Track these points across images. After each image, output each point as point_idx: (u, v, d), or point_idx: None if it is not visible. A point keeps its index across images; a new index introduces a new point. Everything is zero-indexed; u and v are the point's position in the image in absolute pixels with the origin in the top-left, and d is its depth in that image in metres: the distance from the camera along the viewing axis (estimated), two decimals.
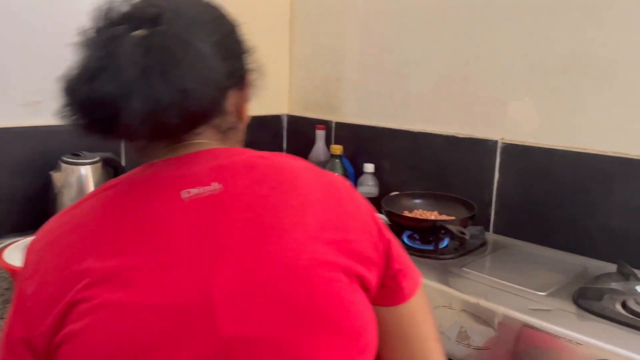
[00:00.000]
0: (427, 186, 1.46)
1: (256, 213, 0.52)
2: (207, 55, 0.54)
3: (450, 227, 0.96)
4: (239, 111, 0.68)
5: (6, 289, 1.08)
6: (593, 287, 0.83)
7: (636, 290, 0.88)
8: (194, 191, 0.53)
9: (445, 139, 1.42)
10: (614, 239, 1.12)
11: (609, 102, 1.12)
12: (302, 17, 1.81)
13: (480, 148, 1.34)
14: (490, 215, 1.33)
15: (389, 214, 1.11)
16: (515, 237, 1.19)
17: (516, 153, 1.28)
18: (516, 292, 0.86)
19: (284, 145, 1.92)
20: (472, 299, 0.84)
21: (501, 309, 0.81)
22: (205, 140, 0.60)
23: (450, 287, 0.88)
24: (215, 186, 0.53)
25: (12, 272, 1.01)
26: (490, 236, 1.18)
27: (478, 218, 1.30)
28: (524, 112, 1.26)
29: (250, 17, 1.74)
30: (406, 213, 1.17)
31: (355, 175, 1.62)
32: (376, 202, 1.45)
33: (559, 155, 1.20)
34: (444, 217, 1.14)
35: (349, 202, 0.59)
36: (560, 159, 1.20)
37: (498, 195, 1.32)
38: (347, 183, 0.63)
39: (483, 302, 0.83)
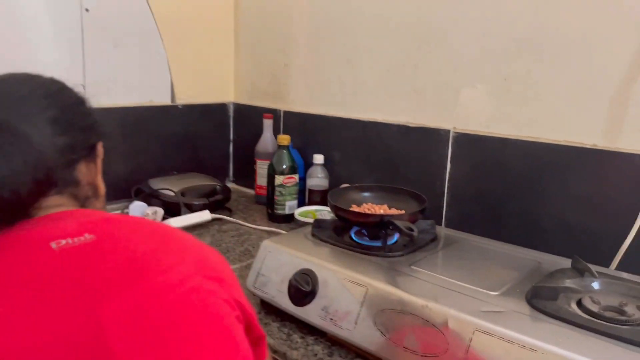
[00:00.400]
0: (378, 178, 1.39)
1: (136, 256, 0.53)
2: (31, 135, 0.55)
3: (398, 222, 0.89)
4: (92, 184, 0.67)
5: None
6: (547, 285, 0.78)
7: (592, 287, 0.83)
8: (64, 241, 0.52)
9: (397, 129, 1.35)
10: (568, 232, 1.08)
11: (564, 89, 1.07)
12: None
13: (432, 138, 1.28)
14: (442, 207, 1.27)
15: (335, 209, 1.03)
16: (468, 231, 1.14)
17: (468, 143, 1.22)
18: (467, 292, 0.80)
19: (231, 135, 1.81)
20: (420, 302, 0.77)
21: (451, 312, 0.74)
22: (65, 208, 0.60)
23: (398, 288, 0.81)
24: (87, 236, 0.53)
25: None
26: (442, 230, 1.12)
27: (429, 211, 1.24)
28: (476, 99, 1.20)
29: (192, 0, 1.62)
30: (354, 207, 1.09)
31: (304, 166, 1.54)
32: (326, 195, 1.37)
33: (512, 144, 1.15)
34: (393, 211, 1.08)
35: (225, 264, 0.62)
36: (513, 148, 1.15)
37: (450, 187, 1.26)
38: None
39: (432, 305, 0.76)
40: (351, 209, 1.09)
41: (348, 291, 0.85)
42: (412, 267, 0.90)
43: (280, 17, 1.60)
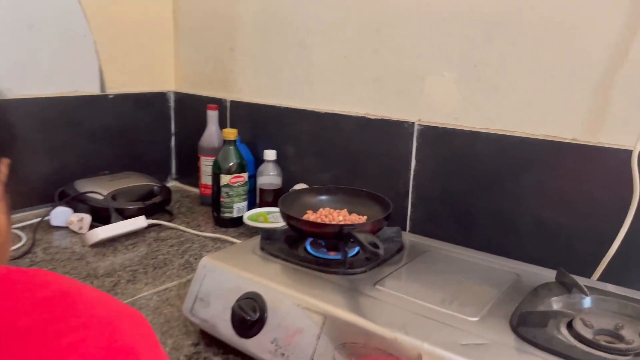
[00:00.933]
0: (336, 175, 1.26)
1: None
2: None
3: (360, 235, 0.75)
4: None
5: None
6: (535, 311, 0.66)
7: (582, 306, 0.72)
8: None
9: (355, 121, 1.21)
10: (546, 235, 0.98)
11: (539, 78, 0.96)
12: None
13: (394, 131, 1.15)
14: (406, 208, 1.15)
15: (286, 217, 0.89)
16: (435, 234, 1.02)
17: (435, 137, 1.10)
18: (442, 318, 0.68)
19: (172, 128, 1.63)
20: (388, 333, 0.65)
21: (425, 346, 0.62)
22: None
23: (361, 315, 0.68)
24: None
25: None
26: (408, 237, 0.99)
27: (393, 212, 1.12)
28: (442, 89, 1.08)
29: None
30: (309, 214, 0.95)
31: (254, 163, 1.38)
32: (279, 194, 1.22)
33: (483, 138, 1.03)
34: (354, 217, 0.94)
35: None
36: (484, 143, 1.03)
37: (415, 186, 1.14)
38: None
39: (402, 338, 0.64)
40: (306, 216, 0.95)
41: (302, 320, 0.71)
42: (377, 286, 0.77)
43: None
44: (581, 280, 0.75)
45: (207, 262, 0.84)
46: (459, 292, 0.76)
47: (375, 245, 0.71)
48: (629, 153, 0.85)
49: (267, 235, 0.91)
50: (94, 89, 1.42)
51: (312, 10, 1.25)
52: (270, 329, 0.73)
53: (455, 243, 1.02)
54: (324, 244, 0.89)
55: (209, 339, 0.81)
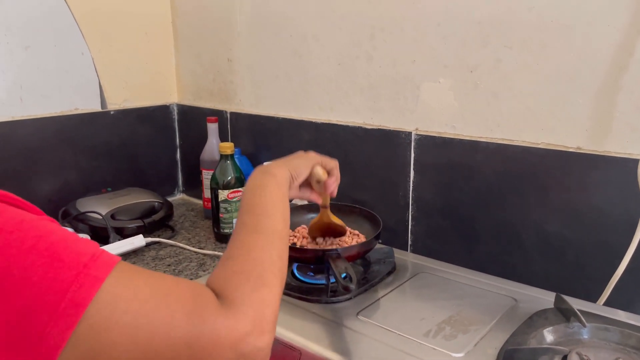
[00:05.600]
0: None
1: None
2: None
3: (336, 264, 0.71)
4: None
5: None
6: (523, 348, 0.61)
7: (579, 337, 0.66)
8: None
9: (352, 131, 1.17)
10: (550, 251, 0.91)
11: (539, 82, 0.89)
12: None
13: (391, 141, 1.10)
14: (407, 221, 1.10)
15: None
16: (438, 252, 0.97)
17: (433, 146, 1.04)
18: (424, 354, 0.63)
19: (177, 141, 1.62)
20: None
21: None
22: None
23: (337, 353, 0.64)
24: None
25: None
26: (403, 256, 0.94)
27: (393, 224, 1.08)
28: (439, 96, 1.02)
29: None
30: (298, 231, 0.91)
31: None
32: None
33: (483, 148, 0.97)
34: (338, 240, 0.90)
35: None
36: (484, 153, 0.97)
37: (415, 198, 1.09)
38: None
39: None
40: (293, 234, 0.91)
41: (279, 355, 0.68)
42: (360, 316, 0.72)
43: (219, 4, 1.40)
44: (584, 306, 0.70)
45: None
46: (447, 322, 0.71)
47: (349, 279, 0.67)
48: (636, 163, 0.78)
49: None
50: (94, 106, 1.42)
51: (305, 17, 1.21)
52: None
53: (458, 260, 0.98)
54: (311, 266, 0.85)
55: None
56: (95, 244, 0.46)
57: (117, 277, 0.43)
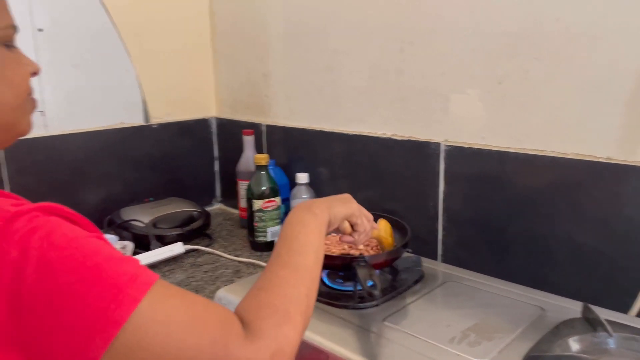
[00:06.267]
0: (367, 198, 1.23)
1: None
2: None
3: (361, 272, 0.74)
4: None
5: None
6: (546, 355, 0.61)
7: (606, 347, 0.66)
8: None
9: (383, 142, 1.19)
10: (582, 262, 0.91)
11: (567, 92, 0.90)
12: (221, 4, 1.56)
13: (421, 152, 1.12)
14: (437, 231, 1.11)
15: None
16: (468, 263, 0.98)
17: (462, 157, 1.05)
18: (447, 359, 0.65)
19: (215, 153, 1.68)
20: None
21: None
22: None
23: (362, 356, 0.66)
24: None
25: None
26: (433, 265, 0.96)
27: (424, 235, 1.09)
28: (468, 107, 1.04)
29: (165, 8, 1.49)
30: (328, 239, 0.94)
31: (290, 186, 1.40)
32: None
33: (512, 159, 0.98)
34: (368, 248, 0.92)
35: None
36: (514, 163, 0.98)
37: (445, 208, 1.10)
38: None
39: None
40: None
41: (306, 356, 0.71)
42: (386, 322, 0.75)
43: (255, 22, 1.46)
44: (613, 316, 0.70)
45: (222, 295, 0.85)
46: (472, 329, 0.72)
47: (373, 286, 0.69)
48: None
49: None
50: (138, 120, 1.50)
51: (336, 33, 1.25)
52: None
53: (488, 270, 0.98)
54: (340, 273, 0.88)
55: None
56: (137, 261, 0.49)
57: (152, 299, 0.46)
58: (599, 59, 0.85)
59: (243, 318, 0.51)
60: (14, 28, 0.56)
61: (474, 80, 1.02)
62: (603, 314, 0.70)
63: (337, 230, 0.74)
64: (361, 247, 0.92)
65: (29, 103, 0.58)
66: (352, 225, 0.75)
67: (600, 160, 0.87)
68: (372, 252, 0.88)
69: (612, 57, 0.84)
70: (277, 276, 0.57)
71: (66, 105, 1.35)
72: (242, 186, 1.45)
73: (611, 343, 0.67)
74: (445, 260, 1.10)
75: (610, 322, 0.69)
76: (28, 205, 0.48)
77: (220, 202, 1.72)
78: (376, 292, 0.69)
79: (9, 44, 0.55)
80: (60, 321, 0.43)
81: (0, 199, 0.48)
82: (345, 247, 0.92)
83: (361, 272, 0.73)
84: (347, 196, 0.76)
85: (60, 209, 0.51)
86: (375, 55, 1.18)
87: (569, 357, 0.62)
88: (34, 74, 0.58)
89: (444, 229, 1.11)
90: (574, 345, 0.67)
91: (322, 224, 0.66)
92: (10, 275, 0.43)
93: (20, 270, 0.43)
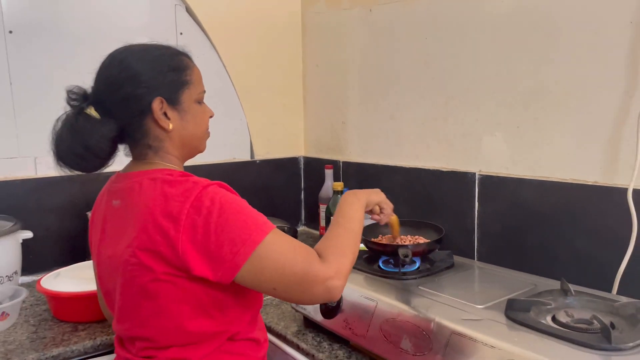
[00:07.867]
0: (418, 215, 1.57)
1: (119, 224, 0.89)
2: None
3: (402, 251, 1.08)
4: (158, 127, 0.92)
5: (44, 309, 1.30)
6: (521, 299, 0.92)
7: (570, 303, 0.95)
8: (116, 202, 0.91)
9: (432, 173, 1.54)
10: (580, 262, 1.19)
11: (567, 133, 1.21)
12: (312, 68, 2.02)
13: (461, 180, 1.45)
14: (473, 242, 1.42)
15: (363, 240, 1.24)
16: (497, 264, 1.28)
17: (492, 184, 1.38)
18: (456, 305, 0.96)
19: (302, 184, 2.10)
20: (412, 312, 0.96)
21: (435, 319, 0.92)
22: (132, 161, 0.95)
23: (399, 301, 1.00)
24: (117, 202, 0.91)
25: (47, 295, 1.23)
26: (465, 261, 1.27)
27: (463, 246, 1.41)
28: (495, 145, 1.37)
29: (269, 73, 1.96)
30: (380, 238, 1.29)
31: None
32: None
33: (528, 184, 1.29)
34: (408, 239, 1.26)
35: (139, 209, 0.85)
36: (529, 188, 1.29)
37: (479, 224, 1.41)
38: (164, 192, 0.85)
39: (422, 314, 0.94)
40: (380, 239, 1.29)
41: (363, 306, 1.05)
42: (420, 287, 1.08)
43: (337, 83, 1.89)
44: (597, 292, 0.98)
45: None
46: (478, 293, 1.04)
47: (406, 256, 1.04)
48: (631, 191, 1.06)
49: None
50: (246, 156, 1.95)
51: (397, 90, 1.64)
52: (343, 313, 1.08)
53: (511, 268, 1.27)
54: (392, 261, 1.22)
55: (307, 322, 1.18)
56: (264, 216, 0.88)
57: (273, 234, 0.83)
58: (587, 110, 1.17)
59: (318, 251, 0.87)
60: (204, 92, 0.99)
61: (500, 125, 1.35)
62: (590, 291, 0.99)
63: (370, 212, 1.10)
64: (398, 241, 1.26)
65: (206, 134, 1.02)
66: (380, 209, 1.11)
67: (589, 183, 1.17)
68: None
69: (596, 108, 1.15)
70: (337, 233, 0.93)
71: None
72: (323, 209, 1.83)
73: (575, 301, 0.95)
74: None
75: (580, 292, 0.97)
76: (210, 181, 0.89)
77: (304, 224, 2.11)
78: (407, 259, 1.04)
79: (200, 102, 0.98)
80: (228, 238, 0.82)
81: (194, 177, 0.89)
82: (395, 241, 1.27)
83: (402, 251, 1.08)
84: (378, 190, 1.11)
85: (227, 185, 0.91)
86: (427, 107, 1.55)
87: (536, 301, 0.92)
88: (211, 117, 1.01)
89: (478, 240, 1.42)
90: (546, 300, 0.96)
91: (362, 205, 1.02)
92: (205, 212, 0.83)
93: (210, 210, 0.83)
